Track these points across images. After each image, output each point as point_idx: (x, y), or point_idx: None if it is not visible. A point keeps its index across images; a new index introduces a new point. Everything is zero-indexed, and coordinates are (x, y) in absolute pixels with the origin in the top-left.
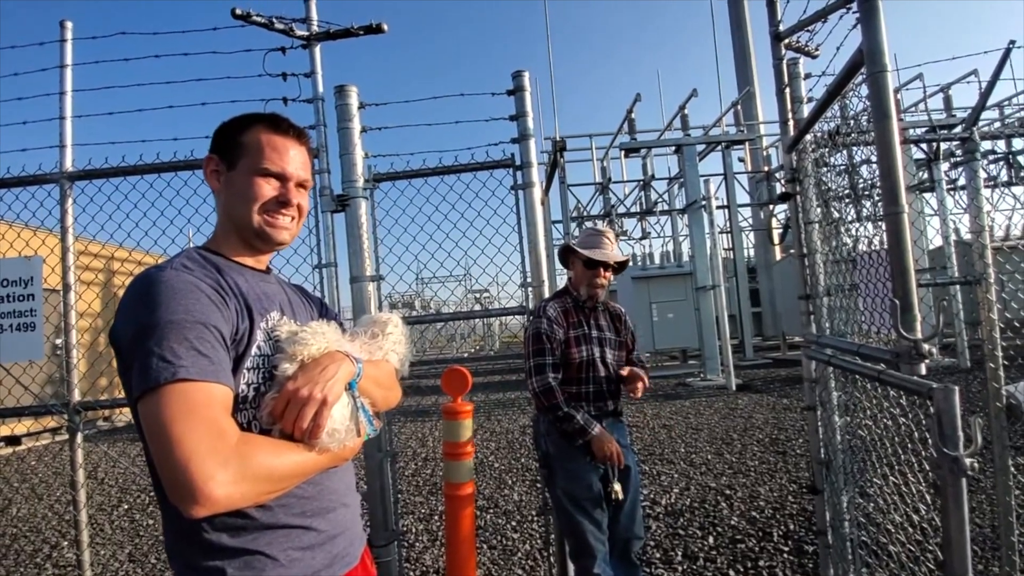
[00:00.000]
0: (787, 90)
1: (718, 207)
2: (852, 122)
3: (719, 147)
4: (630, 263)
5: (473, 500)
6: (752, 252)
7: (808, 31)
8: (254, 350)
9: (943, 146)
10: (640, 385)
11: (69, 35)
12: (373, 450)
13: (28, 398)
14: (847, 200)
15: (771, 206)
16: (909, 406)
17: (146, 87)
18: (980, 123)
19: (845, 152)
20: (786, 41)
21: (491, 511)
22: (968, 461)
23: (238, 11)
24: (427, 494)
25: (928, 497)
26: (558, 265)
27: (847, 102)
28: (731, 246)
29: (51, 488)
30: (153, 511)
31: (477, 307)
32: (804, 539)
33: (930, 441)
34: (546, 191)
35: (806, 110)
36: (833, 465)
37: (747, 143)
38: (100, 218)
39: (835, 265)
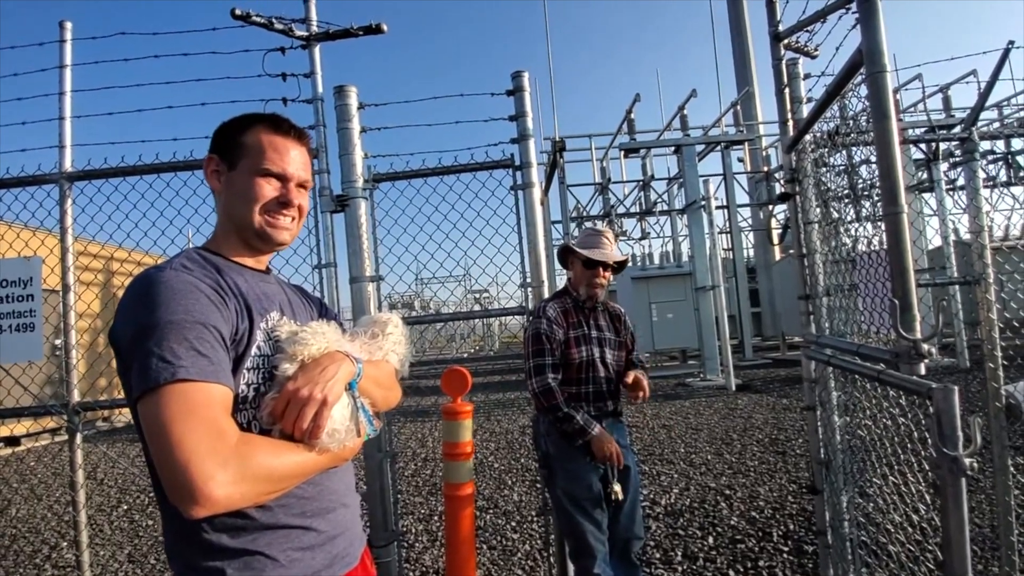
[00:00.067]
0: (786, 90)
1: (717, 207)
2: (851, 122)
3: (718, 147)
4: (629, 263)
5: (473, 500)
6: (751, 252)
7: (807, 31)
8: (254, 350)
9: (942, 146)
10: (641, 395)
11: (68, 35)
12: (373, 450)
13: (27, 399)
14: (846, 200)
15: (770, 206)
16: (908, 406)
17: (146, 87)
18: (979, 123)
19: (844, 152)
20: (785, 41)
21: (491, 511)
22: (967, 461)
23: (238, 11)
24: (427, 494)
25: (928, 497)
26: (557, 265)
27: (846, 102)
28: (730, 246)
29: (50, 489)
30: (152, 512)
31: (477, 307)
32: (804, 539)
33: (929, 441)
34: (545, 191)
35: (805, 110)
36: (833, 465)
37: (746, 143)
38: (99, 218)
39: (834, 265)
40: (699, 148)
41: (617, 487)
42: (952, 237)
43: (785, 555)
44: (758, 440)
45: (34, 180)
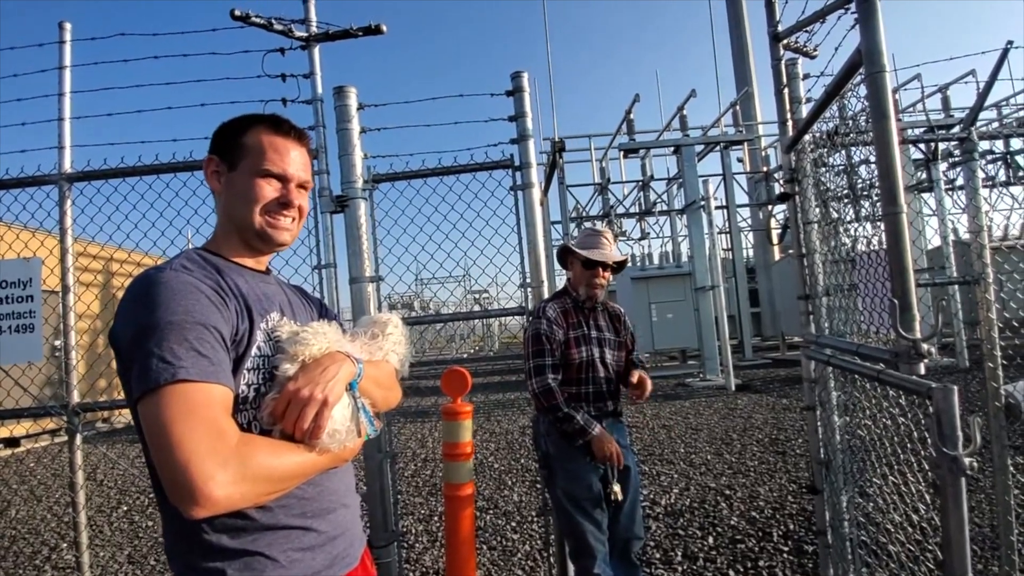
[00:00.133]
0: (786, 90)
1: (717, 207)
2: (851, 122)
3: (718, 147)
4: (629, 263)
5: (473, 501)
6: (751, 252)
7: (806, 31)
8: (254, 351)
9: (941, 146)
10: (642, 395)
11: (68, 36)
12: (373, 451)
13: (27, 400)
14: (846, 200)
15: (770, 206)
16: (908, 406)
17: (145, 88)
18: (978, 123)
19: (844, 152)
20: (785, 41)
21: (491, 512)
22: (967, 460)
23: (237, 12)
24: (427, 495)
25: (927, 496)
26: (557, 266)
27: (845, 102)
28: (730, 246)
29: (50, 490)
30: (152, 513)
31: (476, 308)
32: (804, 539)
33: (929, 441)
34: (545, 192)
35: (805, 110)
36: (833, 465)
37: (746, 143)
38: (99, 219)
39: (834, 265)
40: (698, 148)
41: (617, 487)
42: (951, 237)
43: (785, 555)
44: (758, 440)
45: (34, 181)
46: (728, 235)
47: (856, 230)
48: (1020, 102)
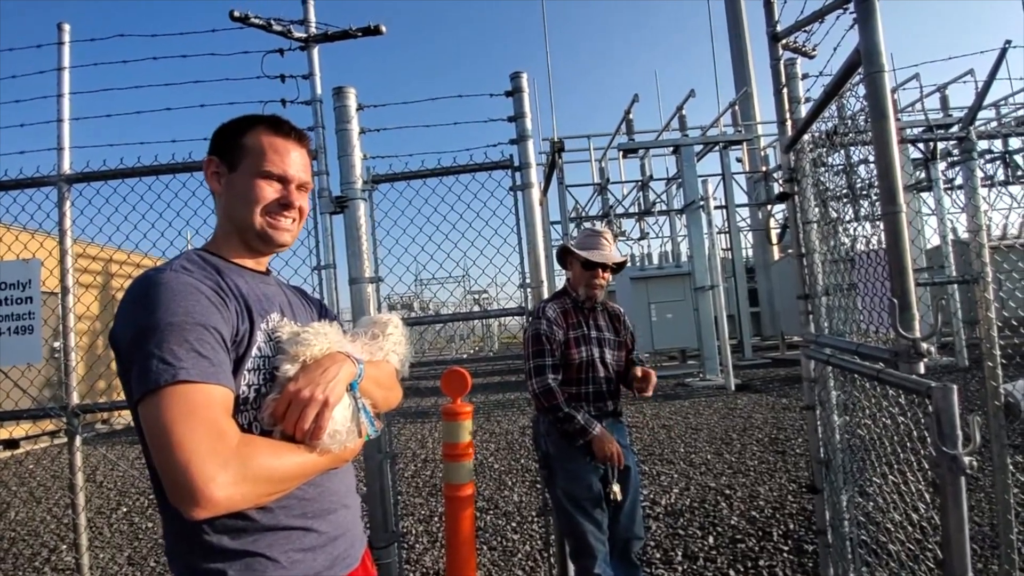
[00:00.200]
0: (784, 90)
1: (716, 207)
2: (849, 122)
3: (717, 147)
4: (629, 263)
5: (473, 501)
6: (750, 252)
7: (805, 31)
8: (254, 351)
9: (940, 145)
10: (648, 387)
11: (67, 37)
12: (373, 451)
13: (26, 401)
14: (845, 200)
15: (769, 206)
16: (908, 405)
17: (144, 89)
18: (977, 122)
19: (843, 152)
20: (783, 41)
21: (491, 512)
22: (967, 459)
23: (236, 13)
24: (427, 495)
25: (927, 496)
26: (557, 266)
27: (844, 102)
28: (729, 246)
29: (50, 491)
30: (152, 514)
31: (476, 308)
32: (804, 538)
33: (929, 440)
34: (544, 192)
35: (803, 110)
36: (832, 464)
37: (745, 143)
38: (98, 220)
39: (833, 265)
40: (697, 148)
41: (617, 487)
42: (950, 236)
43: (785, 554)
44: (758, 440)
45: (33, 182)
46: (727, 235)
47: (855, 229)
48: (1019, 101)
